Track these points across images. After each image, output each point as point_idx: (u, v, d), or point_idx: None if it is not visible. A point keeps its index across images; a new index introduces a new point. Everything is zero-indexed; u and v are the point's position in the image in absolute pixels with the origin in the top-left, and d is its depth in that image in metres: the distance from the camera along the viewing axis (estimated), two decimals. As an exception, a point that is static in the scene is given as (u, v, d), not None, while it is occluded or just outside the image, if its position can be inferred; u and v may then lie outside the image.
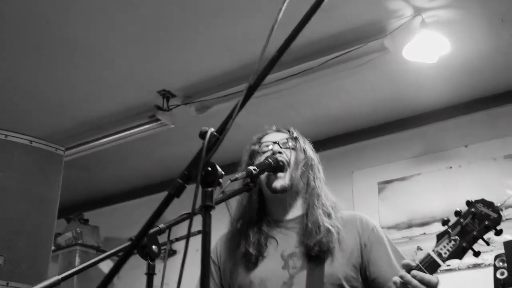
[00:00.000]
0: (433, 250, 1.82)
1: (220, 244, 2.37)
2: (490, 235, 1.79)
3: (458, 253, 1.78)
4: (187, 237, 1.22)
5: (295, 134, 2.40)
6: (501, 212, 1.80)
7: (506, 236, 3.69)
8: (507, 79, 4.34)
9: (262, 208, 2.32)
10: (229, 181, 2.02)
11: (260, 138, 2.40)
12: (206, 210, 1.23)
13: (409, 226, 4.48)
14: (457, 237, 1.80)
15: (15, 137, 3.12)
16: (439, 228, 4.22)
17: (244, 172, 2.09)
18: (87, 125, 4.83)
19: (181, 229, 1.77)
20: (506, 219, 4.12)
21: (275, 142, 2.32)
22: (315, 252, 2.14)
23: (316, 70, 4.14)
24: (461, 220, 1.81)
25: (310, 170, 2.33)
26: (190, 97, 4.53)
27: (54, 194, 3.24)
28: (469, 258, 3.98)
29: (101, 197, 6.06)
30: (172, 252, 5.02)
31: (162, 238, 1.72)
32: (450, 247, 1.79)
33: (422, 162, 4.59)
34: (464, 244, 1.78)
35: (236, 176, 2.06)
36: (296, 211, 2.30)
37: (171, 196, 1.29)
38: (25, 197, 3.04)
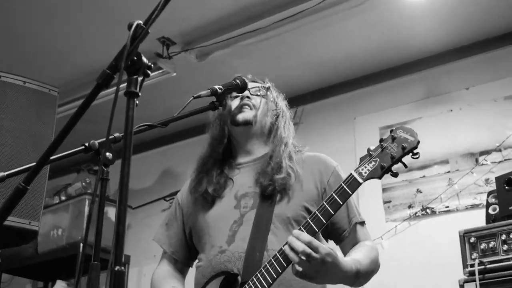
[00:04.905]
0: (355, 170, 1.92)
1: (185, 187, 2.45)
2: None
3: (376, 172, 1.90)
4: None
5: (268, 85, 2.46)
6: (417, 137, 1.92)
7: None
8: (508, 20, 4.27)
9: (228, 150, 2.38)
10: (192, 97, 2.07)
11: None
12: (130, 96, 1.27)
13: (409, 169, 4.48)
14: (377, 159, 1.92)
15: (8, 77, 3.19)
16: (438, 170, 4.32)
17: (209, 90, 2.12)
18: (89, 75, 4.86)
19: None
20: (506, 159, 4.11)
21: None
22: (269, 192, 2.18)
23: (314, 11, 4.12)
24: (383, 144, 1.93)
25: (281, 119, 2.39)
26: (190, 44, 4.55)
27: (48, 134, 3.29)
28: (467, 200, 4.03)
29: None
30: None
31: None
32: (370, 167, 1.91)
33: (423, 106, 4.58)
34: (382, 164, 1.90)
35: (200, 93, 2.10)
36: (258, 152, 2.35)
37: (99, 86, 1.33)
38: (19, 136, 3.10)
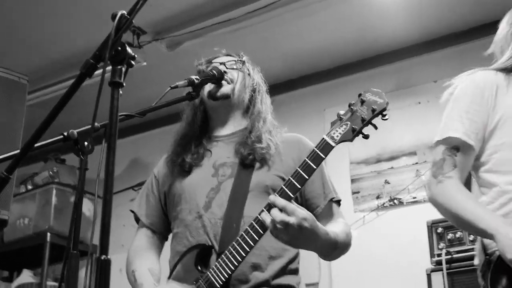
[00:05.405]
0: (327, 135, 1.93)
1: (163, 160, 2.45)
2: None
3: (348, 135, 1.92)
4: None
5: (243, 58, 2.47)
6: (386, 99, 1.97)
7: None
8: (476, 15, 4.35)
9: (205, 125, 2.40)
10: (169, 88, 2.07)
11: (209, 61, 2.46)
12: (114, 86, 1.27)
13: (378, 160, 4.54)
14: (348, 122, 1.93)
15: (-23, 65, 3.16)
16: (407, 162, 4.37)
17: (186, 81, 2.13)
18: (58, 63, 4.79)
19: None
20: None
21: (222, 63, 2.39)
22: (249, 161, 2.21)
23: (286, 3, 4.14)
24: (352, 107, 1.95)
25: (257, 93, 2.41)
26: (160, 33, 4.53)
27: (18, 122, 3.26)
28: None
29: (79, 138, 6.07)
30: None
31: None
32: (342, 130, 1.93)
33: (391, 98, 4.50)
34: (353, 126, 1.92)
35: (177, 83, 2.10)
36: (236, 125, 2.37)
37: (83, 75, 1.33)
38: (-13, 124, 3.08)
